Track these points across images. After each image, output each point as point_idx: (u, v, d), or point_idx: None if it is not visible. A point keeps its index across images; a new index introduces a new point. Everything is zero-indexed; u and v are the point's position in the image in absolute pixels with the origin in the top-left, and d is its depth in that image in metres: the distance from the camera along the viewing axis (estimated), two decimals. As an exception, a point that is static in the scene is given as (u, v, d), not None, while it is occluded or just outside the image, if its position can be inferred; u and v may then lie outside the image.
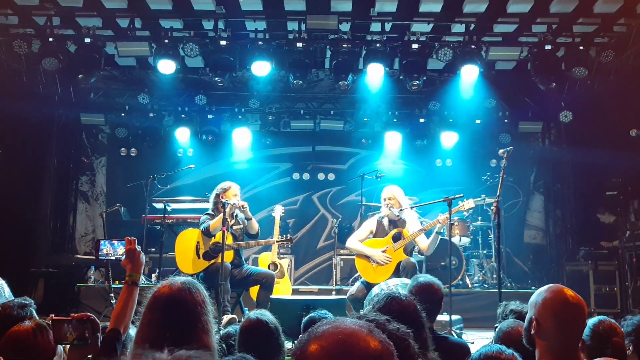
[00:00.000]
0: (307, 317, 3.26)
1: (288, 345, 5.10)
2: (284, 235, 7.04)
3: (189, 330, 2.10)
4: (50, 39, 8.20)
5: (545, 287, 2.43)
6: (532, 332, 2.37)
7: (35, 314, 3.21)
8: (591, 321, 2.92)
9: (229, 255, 6.44)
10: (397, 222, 6.67)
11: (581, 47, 8.28)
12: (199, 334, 2.12)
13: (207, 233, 6.60)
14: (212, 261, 6.60)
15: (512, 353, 2.17)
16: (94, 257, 8.33)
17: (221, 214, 6.27)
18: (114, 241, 3.07)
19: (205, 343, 2.12)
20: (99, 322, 2.59)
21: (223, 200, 6.38)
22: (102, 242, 3.08)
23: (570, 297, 2.35)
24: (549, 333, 2.32)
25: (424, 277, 3.82)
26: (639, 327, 2.96)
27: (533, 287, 8.75)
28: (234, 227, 6.70)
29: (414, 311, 2.69)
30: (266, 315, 3.08)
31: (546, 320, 2.33)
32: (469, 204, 6.39)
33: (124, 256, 2.92)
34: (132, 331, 2.83)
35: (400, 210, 6.63)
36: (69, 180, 10.53)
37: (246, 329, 3.00)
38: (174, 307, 2.14)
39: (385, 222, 6.69)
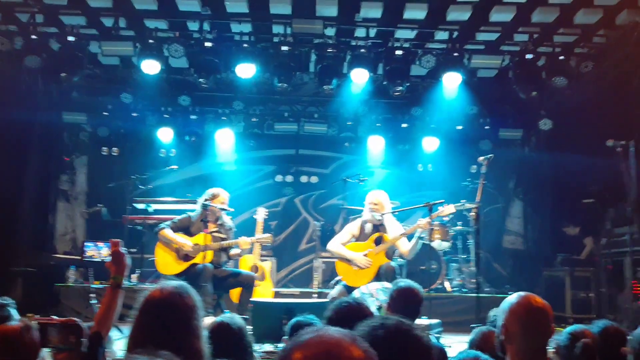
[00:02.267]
0: (293, 321, 3.29)
1: (269, 347, 5.16)
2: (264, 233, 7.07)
3: (179, 335, 2.10)
4: (33, 37, 8.13)
5: (515, 294, 2.56)
6: (502, 338, 2.49)
7: (16, 313, 3.20)
8: (568, 328, 3.07)
9: (208, 256, 6.57)
10: (379, 227, 6.73)
11: (561, 57, 8.42)
12: (190, 338, 2.12)
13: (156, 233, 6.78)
14: (191, 262, 6.63)
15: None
16: (73, 257, 8.26)
17: (176, 238, 6.60)
18: (98, 243, 3.08)
19: (196, 348, 2.13)
20: (84, 327, 2.58)
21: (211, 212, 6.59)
22: (86, 244, 3.09)
23: (534, 302, 2.49)
24: (515, 337, 2.45)
25: (404, 282, 3.90)
26: None
27: (510, 292, 8.81)
28: (215, 234, 6.77)
29: (364, 309, 2.75)
30: (233, 318, 3.09)
31: (513, 325, 2.46)
32: (450, 209, 6.47)
33: (110, 258, 2.92)
34: (113, 332, 2.84)
35: (382, 214, 6.69)
36: (49, 179, 10.39)
37: (210, 332, 3.03)
38: (165, 311, 2.15)
39: (369, 226, 6.74)
